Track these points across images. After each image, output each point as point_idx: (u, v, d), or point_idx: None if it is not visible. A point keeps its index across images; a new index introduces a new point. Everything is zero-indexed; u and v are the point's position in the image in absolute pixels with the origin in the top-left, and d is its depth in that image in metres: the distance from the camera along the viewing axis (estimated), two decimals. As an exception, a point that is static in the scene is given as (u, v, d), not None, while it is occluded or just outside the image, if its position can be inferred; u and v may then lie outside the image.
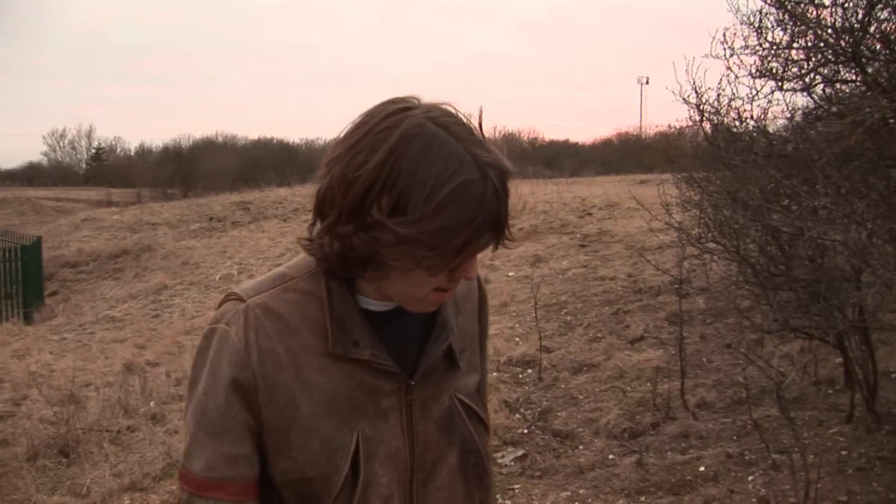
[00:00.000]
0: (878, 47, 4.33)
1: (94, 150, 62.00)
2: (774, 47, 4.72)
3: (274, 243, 15.99)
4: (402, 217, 1.13)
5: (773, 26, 4.67)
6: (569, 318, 7.50)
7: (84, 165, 61.44)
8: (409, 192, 1.13)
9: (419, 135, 1.15)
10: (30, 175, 55.21)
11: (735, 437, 4.64)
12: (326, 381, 1.27)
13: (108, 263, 16.50)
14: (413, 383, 1.33)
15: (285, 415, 1.26)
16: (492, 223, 1.16)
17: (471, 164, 1.14)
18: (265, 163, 37.54)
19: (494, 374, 6.36)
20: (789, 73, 4.75)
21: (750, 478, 4.15)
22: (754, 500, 3.91)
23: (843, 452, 4.19)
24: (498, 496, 4.32)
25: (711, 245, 5.61)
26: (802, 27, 4.44)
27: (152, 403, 6.90)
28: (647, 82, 55.47)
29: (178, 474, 1.30)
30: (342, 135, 1.22)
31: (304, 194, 20.88)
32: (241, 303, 1.28)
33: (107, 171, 53.99)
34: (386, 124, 1.17)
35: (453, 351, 1.40)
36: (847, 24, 4.18)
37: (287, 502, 1.29)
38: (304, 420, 1.26)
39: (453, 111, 1.21)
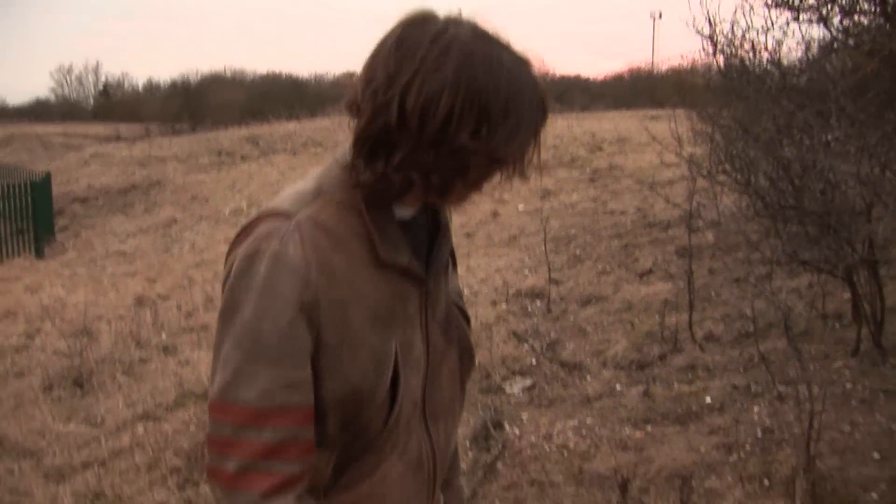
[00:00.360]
0: (897, -24, 4.24)
1: (101, 86, 61.66)
2: (791, -24, 4.63)
3: (283, 177, 15.97)
4: (492, 135, 1.16)
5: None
6: (578, 251, 7.50)
7: (92, 101, 61.14)
8: (489, 111, 1.14)
9: (475, 52, 1.16)
10: (37, 111, 55.07)
11: (741, 370, 4.67)
12: (374, 292, 1.26)
13: (117, 198, 16.54)
14: (431, 286, 1.35)
15: (340, 331, 1.22)
16: (542, 126, 1.24)
17: (524, 73, 1.19)
18: (274, 97, 37.33)
19: (503, 305, 6.39)
20: (805, 3, 4.67)
21: (755, 408, 4.18)
22: (759, 430, 3.95)
23: (848, 385, 4.22)
24: (506, 424, 4.38)
25: (722, 178, 5.58)
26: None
27: (164, 335, 6.97)
28: (660, 16, 54.48)
29: (212, 408, 1.20)
30: (385, 64, 1.18)
31: (313, 128, 20.80)
32: (288, 219, 1.21)
33: (115, 106, 53.68)
34: (439, 47, 1.15)
35: (454, 253, 1.46)
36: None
37: (330, 421, 1.27)
38: (355, 334, 1.23)
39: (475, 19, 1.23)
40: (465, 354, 1.48)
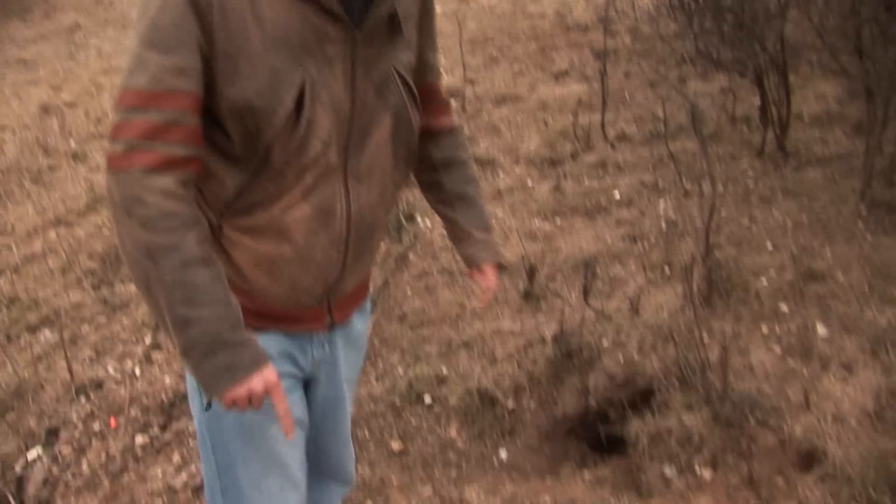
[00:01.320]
0: None
1: None
2: None
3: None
4: None
5: None
6: (494, 52, 7.37)
7: None
8: None
9: None
10: None
11: (651, 168, 4.78)
12: (279, 17, 1.32)
13: (12, 2, 15.51)
14: (358, 36, 1.39)
15: (236, 42, 1.30)
16: None
17: None
18: None
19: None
20: None
21: (661, 203, 4.33)
22: (664, 222, 4.11)
23: (751, 184, 4.38)
24: (418, 216, 4.44)
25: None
26: None
27: (73, 143, 6.77)
28: None
29: (115, 99, 1.31)
30: None
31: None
32: None
33: None
34: None
35: (397, 17, 1.45)
36: None
37: (232, 136, 1.35)
38: (254, 49, 1.31)
39: None
40: (401, 125, 1.51)
